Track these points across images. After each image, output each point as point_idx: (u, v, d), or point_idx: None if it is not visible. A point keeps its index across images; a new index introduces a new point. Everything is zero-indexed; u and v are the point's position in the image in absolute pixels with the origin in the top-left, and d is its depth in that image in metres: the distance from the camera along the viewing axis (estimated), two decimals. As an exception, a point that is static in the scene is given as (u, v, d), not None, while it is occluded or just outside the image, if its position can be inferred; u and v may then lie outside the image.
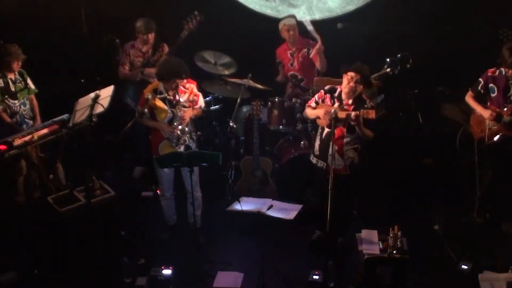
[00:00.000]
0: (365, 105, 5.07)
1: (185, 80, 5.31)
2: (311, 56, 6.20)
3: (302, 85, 6.42)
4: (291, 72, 6.44)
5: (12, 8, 6.96)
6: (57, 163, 5.90)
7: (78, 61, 7.11)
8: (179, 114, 5.28)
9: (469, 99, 5.63)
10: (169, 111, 5.32)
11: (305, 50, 6.29)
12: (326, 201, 4.65)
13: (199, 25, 6.22)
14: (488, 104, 5.52)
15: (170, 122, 5.34)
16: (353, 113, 4.94)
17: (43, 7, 7.01)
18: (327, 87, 5.28)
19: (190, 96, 5.39)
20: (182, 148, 5.36)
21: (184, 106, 5.32)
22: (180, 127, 5.30)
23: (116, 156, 7.08)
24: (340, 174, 5.16)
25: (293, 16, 6.39)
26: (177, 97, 5.29)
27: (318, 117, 5.19)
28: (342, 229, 5.48)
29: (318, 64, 6.23)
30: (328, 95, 5.22)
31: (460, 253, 5.29)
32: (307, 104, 5.43)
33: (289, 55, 6.41)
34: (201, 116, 5.71)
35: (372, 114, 4.89)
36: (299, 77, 6.41)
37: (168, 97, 5.30)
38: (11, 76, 5.73)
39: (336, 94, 5.18)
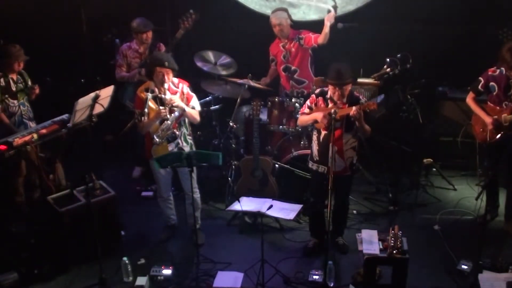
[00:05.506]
0: (360, 101, 5.03)
1: (171, 75, 5.16)
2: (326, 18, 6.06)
3: (296, 77, 6.37)
4: (284, 65, 6.40)
5: (12, 8, 6.95)
6: (57, 163, 5.90)
7: (78, 61, 7.11)
8: (167, 99, 5.14)
9: (470, 101, 5.60)
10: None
11: (296, 40, 6.26)
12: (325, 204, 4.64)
13: (194, 24, 6.22)
14: (488, 101, 5.52)
15: (162, 121, 5.23)
16: (354, 108, 4.84)
17: (43, 7, 7.01)
18: (317, 91, 5.21)
19: (181, 95, 5.27)
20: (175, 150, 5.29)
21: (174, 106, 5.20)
22: (164, 126, 5.17)
23: (116, 156, 7.09)
24: (342, 175, 5.15)
25: (283, 9, 6.30)
26: (167, 94, 5.15)
27: (316, 121, 5.09)
28: (340, 229, 5.50)
29: (321, 36, 6.07)
30: (320, 98, 5.14)
31: (460, 253, 5.29)
32: (300, 112, 5.37)
33: (281, 47, 6.36)
34: (199, 117, 5.43)
35: (373, 106, 4.83)
36: (292, 68, 6.36)
37: (159, 95, 5.17)
38: (12, 76, 5.70)
39: (328, 96, 5.10)
